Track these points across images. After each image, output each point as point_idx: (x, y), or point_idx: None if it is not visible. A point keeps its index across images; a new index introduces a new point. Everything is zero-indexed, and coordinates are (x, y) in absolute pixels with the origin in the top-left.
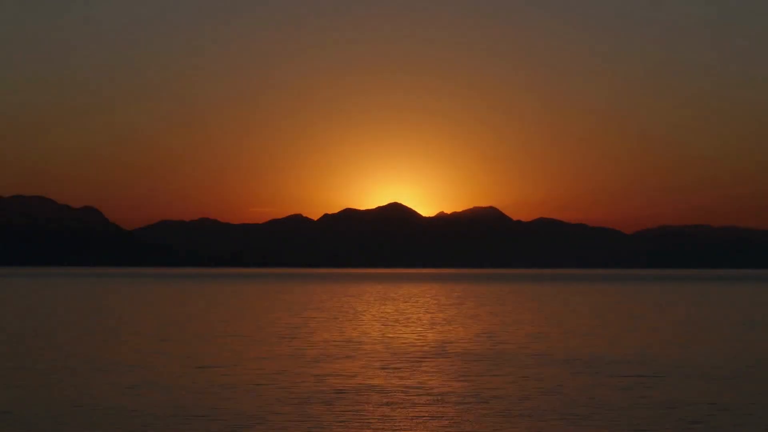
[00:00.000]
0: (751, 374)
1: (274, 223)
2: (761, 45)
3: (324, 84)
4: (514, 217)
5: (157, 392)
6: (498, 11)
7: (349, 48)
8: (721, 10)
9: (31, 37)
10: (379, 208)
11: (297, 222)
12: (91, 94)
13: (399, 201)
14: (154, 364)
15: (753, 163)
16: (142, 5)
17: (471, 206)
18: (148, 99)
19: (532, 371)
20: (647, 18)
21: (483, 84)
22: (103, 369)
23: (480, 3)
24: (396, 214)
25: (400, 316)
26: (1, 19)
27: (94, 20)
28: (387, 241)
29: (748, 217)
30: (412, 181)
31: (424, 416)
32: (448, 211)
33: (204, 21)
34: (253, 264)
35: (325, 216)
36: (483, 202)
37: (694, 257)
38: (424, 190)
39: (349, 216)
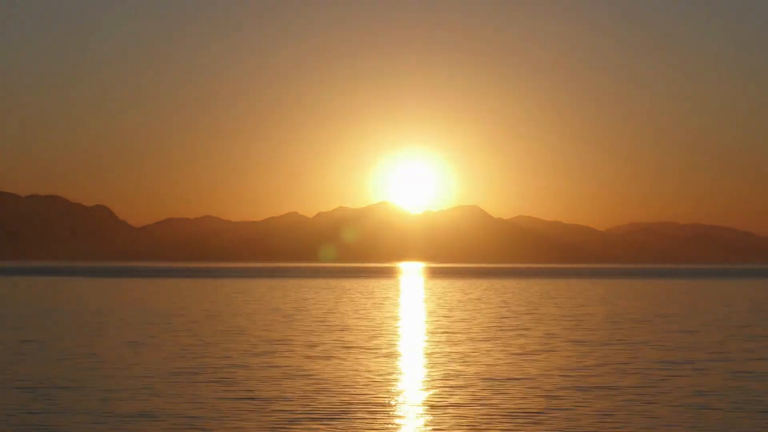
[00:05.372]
0: None
1: (272, 220)
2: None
3: (319, 92)
4: (495, 215)
5: None
6: (485, 15)
7: (344, 56)
8: None
9: (45, 42)
10: (370, 207)
11: (293, 219)
12: (100, 98)
13: (388, 200)
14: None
15: (719, 164)
16: (154, 12)
17: (455, 205)
18: (154, 104)
19: None
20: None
21: (470, 90)
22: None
23: (472, 6)
24: (386, 211)
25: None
26: (16, 24)
27: (108, 24)
28: (378, 237)
29: (713, 214)
30: (400, 181)
31: None
32: (434, 209)
33: (207, 28)
34: (251, 259)
35: (320, 214)
36: (466, 201)
37: (663, 252)
38: (412, 189)
39: (342, 214)
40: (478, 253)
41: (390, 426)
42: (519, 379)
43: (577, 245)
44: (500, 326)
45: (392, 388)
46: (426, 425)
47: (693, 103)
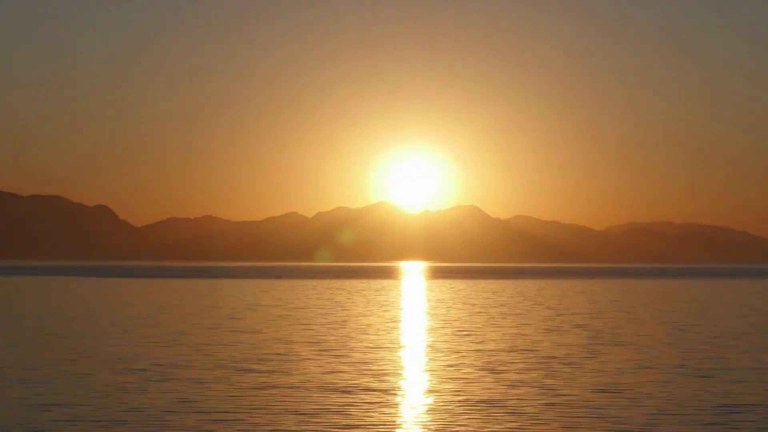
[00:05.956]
0: None
1: (272, 220)
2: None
3: (318, 92)
4: (493, 215)
5: None
6: (483, 16)
7: (343, 56)
8: None
9: (47, 43)
10: (369, 206)
11: (293, 219)
12: (102, 99)
13: (387, 200)
14: None
15: (716, 164)
16: (155, 14)
17: (454, 204)
18: (155, 105)
19: None
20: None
21: (468, 90)
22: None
23: (470, 7)
24: (385, 211)
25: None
26: (18, 25)
27: (110, 25)
28: (377, 236)
29: (710, 214)
30: (399, 181)
31: None
32: (433, 209)
33: (207, 29)
34: (251, 259)
35: (319, 214)
36: (465, 201)
37: (660, 252)
38: (411, 189)
39: (341, 214)
40: (476, 253)
41: None
42: None
43: (575, 245)
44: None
45: None
46: None
47: (690, 103)
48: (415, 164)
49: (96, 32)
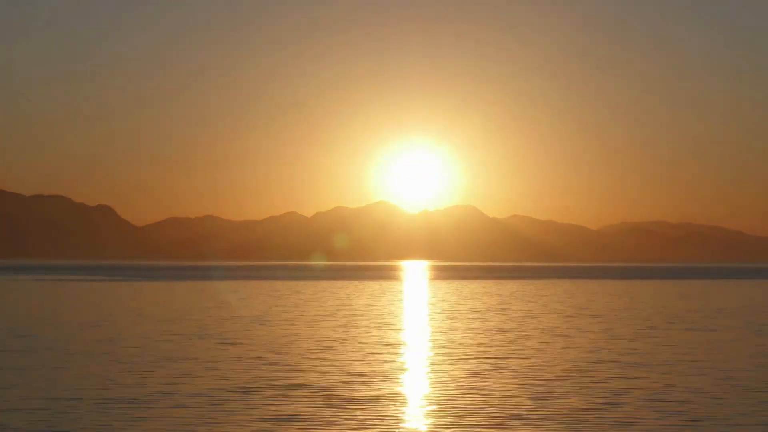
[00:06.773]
0: None
1: (272, 219)
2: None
3: (318, 92)
4: (490, 215)
5: None
6: (481, 17)
7: (342, 58)
8: None
9: (49, 45)
10: (368, 206)
11: (292, 219)
12: (103, 100)
13: (386, 199)
14: None
15: (711, 164)
16: (156, 16)
17: (452, 204)
18: (156, 106)
19: None
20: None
21: (465, 90)
22: None
23: (468, 7)
24: (383, 211)
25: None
26: (22, 24)
27: (111, 28)
28: (375, 236)
29: (704, 214)
30: (398, 181)
31: None
32: (431, 208)
33: (207, 31)
34: (251, 258)
35: (318, 213)
36: (463, 201)
37: (655, 251)
38: (409, 189)
39: (340, 213)
40: (473, 252)
41: None
42: None
43: (570, 244)
44: None
45: None
46: None
47: (686, 103)
48: (413, 164)
49: (98, 34)
